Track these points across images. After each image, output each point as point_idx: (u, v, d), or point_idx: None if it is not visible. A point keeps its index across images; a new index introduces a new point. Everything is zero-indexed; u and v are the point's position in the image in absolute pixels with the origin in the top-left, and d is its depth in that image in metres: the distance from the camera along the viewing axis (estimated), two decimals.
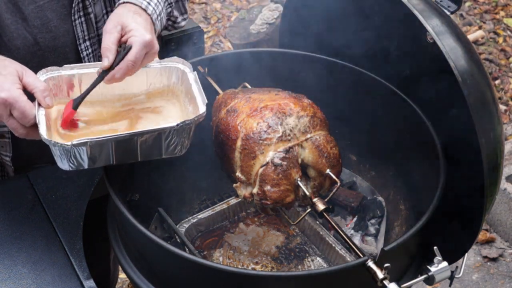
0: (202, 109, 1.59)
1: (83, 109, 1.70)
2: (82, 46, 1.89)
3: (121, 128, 1.67)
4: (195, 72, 1.73)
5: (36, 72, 1.66)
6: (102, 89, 1.72)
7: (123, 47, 1.62)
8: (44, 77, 1.67)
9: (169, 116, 1.72)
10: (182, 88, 1.76)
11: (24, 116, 1.54)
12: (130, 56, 1.60)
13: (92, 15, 1.87)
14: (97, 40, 1.93)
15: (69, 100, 1.68)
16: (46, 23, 1.81)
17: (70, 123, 1.64)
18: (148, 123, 1.69)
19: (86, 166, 1.55)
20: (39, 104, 1.59)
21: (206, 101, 1.62)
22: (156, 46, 1.66)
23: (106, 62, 1.60)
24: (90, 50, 1.92)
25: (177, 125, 1.54)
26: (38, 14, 1.79)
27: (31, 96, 1.59)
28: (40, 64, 1.81)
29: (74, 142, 1.48)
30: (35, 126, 1.55)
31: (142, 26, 1.65)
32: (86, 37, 1.89)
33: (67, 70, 1.70)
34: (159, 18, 1.78)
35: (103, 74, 1.62)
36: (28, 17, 1.78)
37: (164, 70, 1.77)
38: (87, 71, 1.71)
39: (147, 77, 1.76)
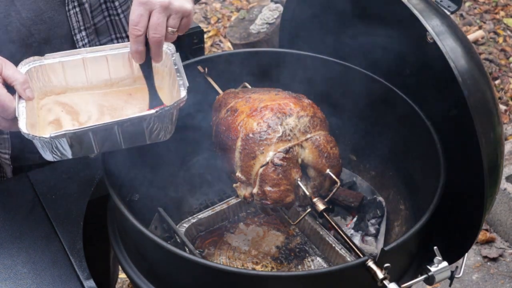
0: (183, 93, 1.58)
1: (68, 95, 1.69)
2: (78, 37, 1.88)
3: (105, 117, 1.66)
4: (178, 54, 1.71)
5: None
6: (88, 75, 1.72)
7: None
8: (25, 69, 1.66)
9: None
10: (167, 70, 1.75)
11: (4, 110, 1.53)
12: (130, 21, 1.54)
13: (86, 5, 1.86)
14: (94, 30, 1.92)
15: (56, 89, 1.69)
16: (40, 15, 1.79)
17: None
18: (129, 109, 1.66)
19: (70, 156, 1.55)
20: (20, 97, 1.59)
21: (188, 85, 1.60)
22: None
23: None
24: (86, 41, 1.90)
25: (156, 111, 1.53)
26: (31, 6, 1.78)
27: (12, 89, 1.58)
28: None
29: (52, 135, 1.48)
30: (16, 118, 1.54)
31: None
32: (82, 28, 1.88)
33: (50, 59, 1.70)
34: None
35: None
36: (21, 9, 1.76)
37: None
38: (71, 58, 1.71)
39: (131, 60, 1.74)
